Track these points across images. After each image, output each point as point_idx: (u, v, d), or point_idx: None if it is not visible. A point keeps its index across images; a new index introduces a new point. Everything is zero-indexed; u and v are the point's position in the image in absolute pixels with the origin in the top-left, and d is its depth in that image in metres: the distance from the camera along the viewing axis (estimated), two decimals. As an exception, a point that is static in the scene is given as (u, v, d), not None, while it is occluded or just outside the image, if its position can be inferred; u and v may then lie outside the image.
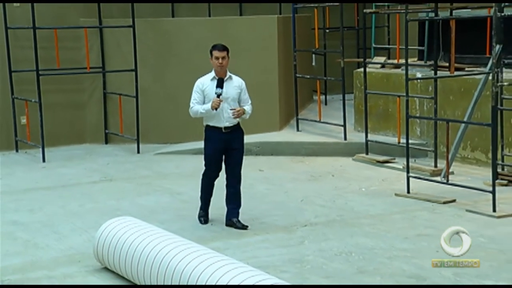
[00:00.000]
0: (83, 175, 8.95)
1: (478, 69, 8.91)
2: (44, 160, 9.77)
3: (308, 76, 11.36)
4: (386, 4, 11.59)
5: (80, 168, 9.35)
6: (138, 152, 10.28)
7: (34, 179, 8.77)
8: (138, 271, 4.89)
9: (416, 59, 10.26)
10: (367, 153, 9.35)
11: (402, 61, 8.77)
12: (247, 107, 6.38)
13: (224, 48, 6.26)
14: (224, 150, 6.34)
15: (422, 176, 7.80)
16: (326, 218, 6.76)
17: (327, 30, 12.13)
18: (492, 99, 6.93)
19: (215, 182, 6.55)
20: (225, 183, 6.50)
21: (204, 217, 6.58)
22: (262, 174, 8.58)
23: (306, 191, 7.81)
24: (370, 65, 10.11)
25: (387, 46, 11.59)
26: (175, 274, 4.56)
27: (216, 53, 6.26)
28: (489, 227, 6.31)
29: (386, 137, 9.64)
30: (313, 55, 12.04)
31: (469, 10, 9.23)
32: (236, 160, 6.38)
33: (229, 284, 4.20)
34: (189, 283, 4.45)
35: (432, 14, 8.89)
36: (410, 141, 7.78)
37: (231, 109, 6.24)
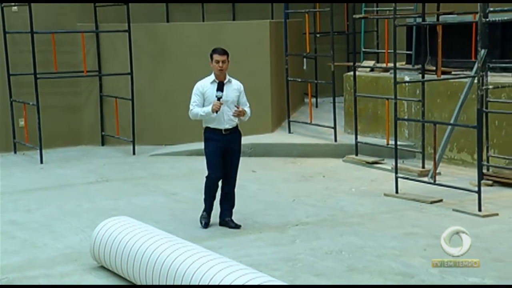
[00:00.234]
0: (79, 176, 8.93)
1: (464, 72, 8.94)
2: (41, 161, 9.74)
3: (300, 80, 11.38)
4: (375, 9, 11.64)
5: (77, 169, 9.33)
6: (134, 153, 10.27)
7: (32, 180, 8.75)
8: (134, 269, 4.89)
9: (404, 63, 10.29)
10: (356, 154, 9.37)
11: (391, 65, 8.78)
12: (247, 109, 6.36)
13: (224, 52, 6.23)
14: (224, 150, 6.30)
15: (410, 177, 7.82)
16: (317, 218, 6.77)
17: (318, 35, 12.13)
18: (478, 102, 6.96)
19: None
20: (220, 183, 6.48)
21: (206, 219, 6.44)
22: (254, 175, 8.58)
23: (297, 191, 7.82)
24: (359, 69, 10.12)
25: (376, 50, 11.62)
26: (170, 273, 4.56)
27: (216, 56, 6.22)
28: (475, 226, 6.33)
29: (375, 139, 9.66)
30: (304, 59, 12.06)
31: (455, 15, 9.28)
32: (233, 161, 6.36)
33: (222, 281, 4.20)
34: (183, 282, 4.45)
35: (419, 20, 8.92)
36: (398, 143, 7.80)
37: (236, 106, 6.22)
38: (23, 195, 7.93)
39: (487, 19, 7.11)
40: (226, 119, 6.25)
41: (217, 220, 6.52)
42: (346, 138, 9.87)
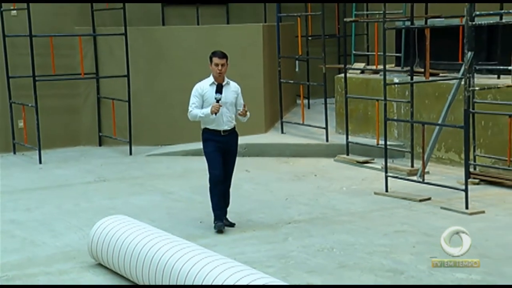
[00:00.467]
0: (78, 176, 8.91)
1: (452, 74, 8.96)
2: (40, 162, 9.72)
3: (292, 81, 11.39)
4: (365, 13, 11.65)
5: (75, 169, 9.31)
6: (131, 153, 10.25)
7: (31, 180, 8.73)
8: (131, 267, 4.89)
9: (393, 65, 10.31)
10: (347, 154, 9.38)
11: (381, 67, 8.80)
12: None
13: (223, 56, 6.19)
14: (223, 151, 6.26)
15: (399, 176, 7.84)
16: (309, 216, 6.78)
17: (310, 38, 12.15)
18: (465, 103, 6.98)
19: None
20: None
21: (221, 227, 6.19)
22: (248, 174, 8.58)
23: (290, 190, 7.82)
24: (350, 71, 10.14)
25: (366, 53, 11.63)
26: (166, 270, 4.56)
27: (216, 60, 6.17)
28: (462, 223, 6.32)
29: (365, 139, 9.67)
30: (297, 62, 12.07)
31: (443, 19, 9.30)
32: (230, 162, 6.32)
33: (217, 278, 4.20)
34: (178, 279, 4.45)
35: (408, 23, 8.94)
36: (388, 143, 7.81)
37: (245, 106, 6.19)
38: (22, 195, 7.90)
39: (474, 23, 7.14)
40: (225, 120, 6.22)
41: (212, 219, 6.51)
42: (337, 138, 9.88)
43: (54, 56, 10.12)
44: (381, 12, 8.09)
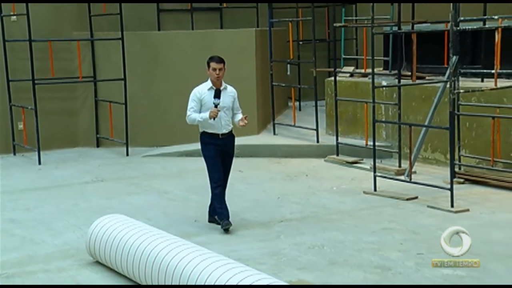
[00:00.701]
0: (76, 176, 8.89)
1: (437, 78, 8.99)
2: (39, 163, 9.69)
3: (284, 84, 11.39)
4: (355, 18, 11.68)
5: (73, 170, 9.28)
6: (127, 154, 10.24)
7: (31, 180, 8.70)
8: (128, 264, 4.88)
9: (381, 68, 10.34)
10: (337, 155, 9.39)
11: (369, 70, 8.83)
12: (240, 115, 6.29)
13: (221, 60, 6.13)
14: (221, 154, 6.23)
15: (387, 175, 7.86)
16: (301, 215, 6.78)
17: (301, 42, 12.17)
18: (450, 105, 7.00)
19: (218, 191, 6.20)
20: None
21: (228, 224, 6.10)
22: (241, 174, 8.58)
23: (282, 190, 7.83)
24: (340, 74, 10.16)
25: (355, 57, 11.66)
26: (162, 267, 4.56)
27: (213, 64, 6.11)
28: (448, 221, 6.37)
29: (355, 140, 9.69)
30: (288, 65, 12.07)
31: (429, 24, 9.33)
32: (227, 164, 6.29)
33: (211, 275, 4.20)
34: (174, 275, 4.44)
35: (395, 28, 8.97)
36: (376, 144, 7.83)
37: (246, 117, 6.16)
38: (22, 195, 7.88)
39: (458, 28, 7.17)
40: (224, 124, 6.18)
41: (207, 218, 6.51)
42: (328, 139, 9.89)
43: (53, 60, 10.10)
44: (370, 17, 8.11)
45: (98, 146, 10.99)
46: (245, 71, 10.47)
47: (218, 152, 6.19)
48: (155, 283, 4.63)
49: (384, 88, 9.20)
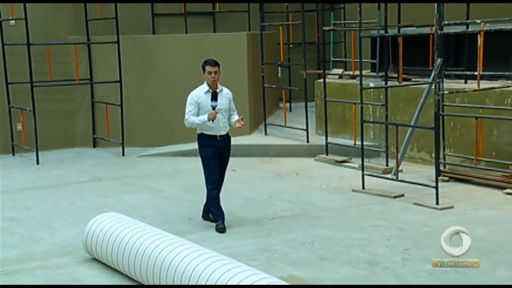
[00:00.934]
0: (73, 175, 8.87)
1: (423, 79, 9.03)
2: (38, 163, 9.66)
3: (275, 86, 11.40)
4: (343, 22, 11.70)
5: (70, 170, 9.26)
6: (123, 154, 10.21)
7: (29, 180, 8.67)
8: (123, 261, 4.87)
9: (369, 70, 10.36)
10: (327, 154, 9.41)
11: (357, 72, 8.84)
12: (236, 116, 6.28)
13: (216, 64, 6.10)
14: (219, 155, 6.19)
15: (375, 174, 7.87)
16: (292, 212, 6.79)
17: (291, 45, 12.16)
18: (435, 106, 7.03)
19: (214, 193, 6.17)
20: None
21: (221, 224, 6.11)
22: (234, 174, 8.58)
23: (273, 188, 7.83)
24: (329, 76, 10.18)
25: (344, 59, 11.68)
26: (156, 264, 4.55)
27: (208, 68, 6.07)
28: (433, 218, 6.40)
29: (343, 140, 9.71)
30: (279, 67, 12.06)
31: (414, 28, 9.36)
32: (224, 164, 6.27)
33: (204, 271, 4.20)
34: (168, 271, 4.44)
35: (382, 32, 8.99)
36: (364, 143, 7.84)
37: (242, 119, 6.14)
38: (21, 194, 7.85)
39: (442, 32, 7.19)
40: (222, 126, 6.14)
41: (200, 215, 6.50)
42: (317, 139, 9.91)
43: (50, 63, 10.08)
44: (357, 21, 8.13)
45: (94, 146, 10.96)
46: (237, 73, 10.46)
47: (216, 154, 6.16)
48: (150, 279, 4.62)
49: (371, 90, 9.21)
